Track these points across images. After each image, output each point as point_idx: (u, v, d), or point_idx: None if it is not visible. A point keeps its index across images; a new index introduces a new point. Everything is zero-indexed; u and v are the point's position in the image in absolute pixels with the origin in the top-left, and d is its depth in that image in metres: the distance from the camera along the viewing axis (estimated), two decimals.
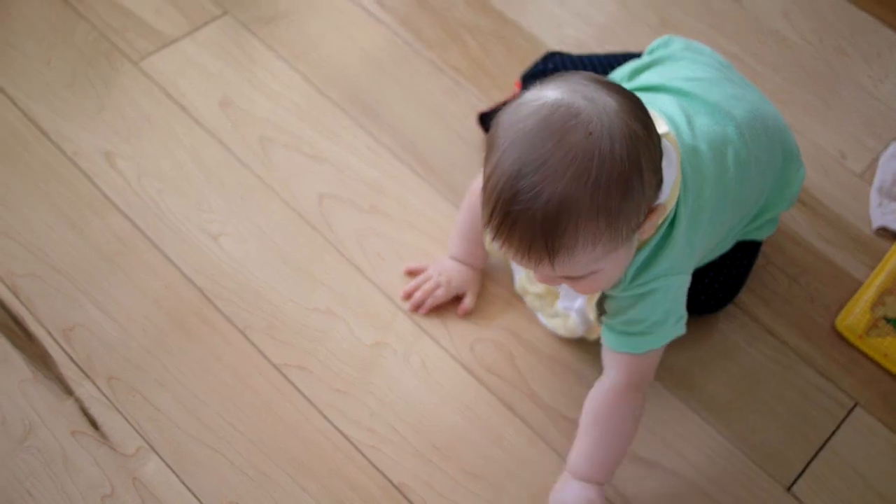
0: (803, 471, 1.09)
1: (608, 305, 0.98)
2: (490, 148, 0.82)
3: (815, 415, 1.13)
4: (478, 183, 1.10)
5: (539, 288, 1.11)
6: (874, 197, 1.31)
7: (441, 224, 1.23)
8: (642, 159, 0.81)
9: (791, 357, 1.17)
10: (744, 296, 1.20)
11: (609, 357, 0.99)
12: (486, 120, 1.30)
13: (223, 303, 1.14)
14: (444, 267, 1.16)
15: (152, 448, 1.03)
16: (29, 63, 1.33)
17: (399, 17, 1.45)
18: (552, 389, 1.11)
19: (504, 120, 0.82)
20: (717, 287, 1.15)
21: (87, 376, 1.07)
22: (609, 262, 0.85)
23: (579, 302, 1.05)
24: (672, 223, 0.93)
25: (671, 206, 0.91)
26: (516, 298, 1.18)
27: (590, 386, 1.10)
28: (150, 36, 1.38)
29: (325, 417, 1.07)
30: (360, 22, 1.44)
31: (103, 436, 1.03)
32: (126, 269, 1.16)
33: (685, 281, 0.96)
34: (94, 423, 1.04)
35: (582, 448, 0.98)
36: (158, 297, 1.14)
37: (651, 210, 0.86)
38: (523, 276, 1.13)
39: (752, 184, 1.03)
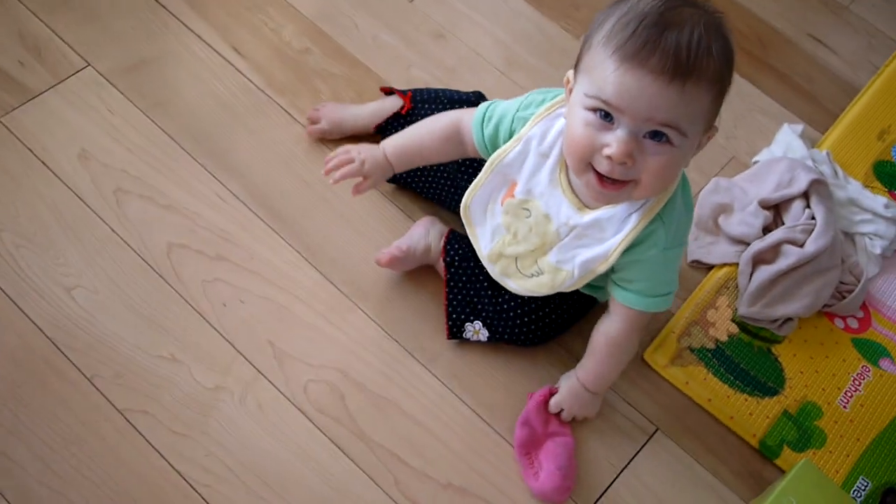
0: (603, 493, 1.20)
1: (636, 269, 1.09)
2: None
3: (619, 440, 1.24)
4: (453, 114, 1.20)
5: (521, 247, 1.13)
6: (691, 231, 1.42)
7: (284, 271, 1.32)
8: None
9: None
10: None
11: (618, 307, 1.14)
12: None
13: (73, 353, 1.22)
14: (367, 150, 1.22)
15: (1, 494, 1.12)
16: None
17: (254, 64, 1.53)
18: (378, 426, 1.21)
19: None
20: (547, 322, 1.26)
21: None
22: (685, 145, 0.95)
23: (585, 256, 1.09)
24: (683, 186, 1.07)
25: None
26: (351, 340, 1.27)
27: (413, 417, 1.21)
28: (13, 90, 1.44)
29: (164, 458, 1.16)
30: (216, 69, 1.51)
31: None
32: None
33: (682, 253, 1.14)
34: None
35: (591, 369, 1.20)
36: (12, 349, 1.22)
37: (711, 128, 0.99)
38: (501, 241, 1.15)
39: None
